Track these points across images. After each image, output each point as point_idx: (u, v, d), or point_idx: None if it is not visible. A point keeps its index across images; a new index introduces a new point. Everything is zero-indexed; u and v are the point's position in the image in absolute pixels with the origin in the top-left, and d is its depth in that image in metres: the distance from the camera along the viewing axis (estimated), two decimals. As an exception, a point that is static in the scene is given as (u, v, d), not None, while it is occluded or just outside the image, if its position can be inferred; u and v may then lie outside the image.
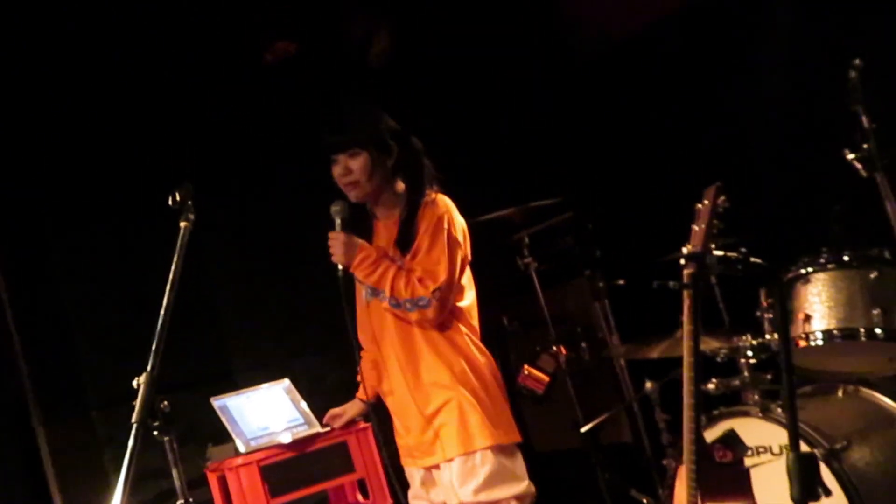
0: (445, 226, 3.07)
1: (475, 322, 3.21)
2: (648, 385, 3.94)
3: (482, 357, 3.16)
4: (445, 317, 3.10)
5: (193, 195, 2.46)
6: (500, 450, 3.07)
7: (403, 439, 3.26)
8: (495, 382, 3.16)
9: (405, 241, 3.12)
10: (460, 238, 3.12)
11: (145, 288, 2.39)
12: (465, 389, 3.07)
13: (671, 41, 4.82)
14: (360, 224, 3.25)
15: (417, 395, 3.15)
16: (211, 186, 4.15)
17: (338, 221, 3.16)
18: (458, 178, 3.32)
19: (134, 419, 2.11)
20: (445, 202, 3.15)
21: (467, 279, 3.20)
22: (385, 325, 3.20)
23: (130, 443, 2.08)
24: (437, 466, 3.15)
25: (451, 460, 3.08)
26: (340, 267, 3.14)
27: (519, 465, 3.12)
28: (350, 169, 3.14)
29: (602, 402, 4.49)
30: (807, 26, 4.25)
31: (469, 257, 3.20)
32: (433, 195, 3.16)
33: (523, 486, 3.08)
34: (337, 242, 3.14)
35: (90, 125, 4.50)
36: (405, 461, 3.29)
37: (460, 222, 3.16)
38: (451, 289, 3.06)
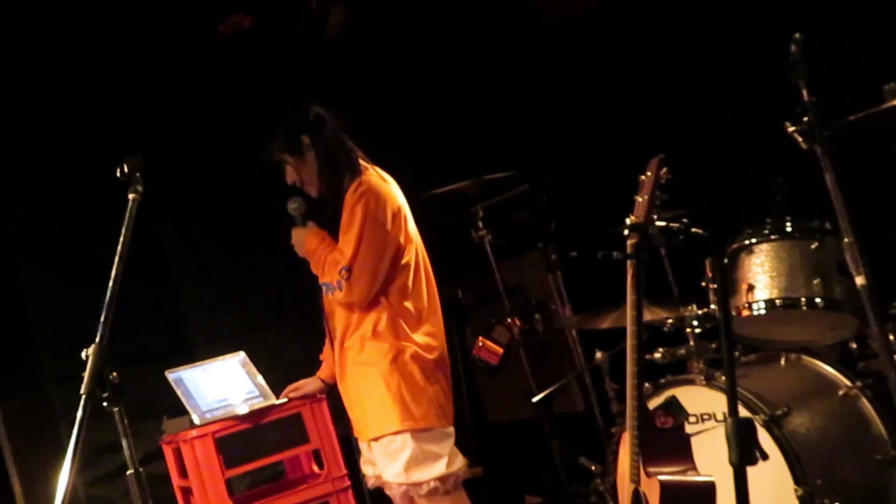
0: (362, 208, 3.10)
1: (413, 305, 3.20)
2: (599, 355, 3.99)
3: (410, 342, 3.17)
4: (376, 301, 3.16)
5: (143, 166, 2.46)
6: (422, 433, 3.12)
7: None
8: (420, 369, 3.15)
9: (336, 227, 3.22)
10: (384, 219, 3.13)
11: (103, 262, 2.38)
12: (387, 374, 3.12)
13: (624, 17, 4.85)
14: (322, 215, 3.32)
15: (347, 377, 3.27)
16: (168, 160, 4.15)
17: (295, 217, 3.32)
18: (413, 151, 3.35)
19: (82, 391, 2.12)
20: (369, 183, 3.15)
21: (407, 262, 3.20)
22: (333, 310, 3.32)
23: (79, 414, 2.08)
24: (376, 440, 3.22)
25: (374, 440, 3.17)
26: None
27: (446, 447, 3.15)
28: (291, 177, 3.28)
29: (555, 372, 4.54)
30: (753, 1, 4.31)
31: (400, 240, 3.19)
32: (362, 177, 3.17)
33: (443, 467, 3.12)
34: (293, 241, 3.32)
35: (45, 98, 4.47)
36: (355, 434, 3.39)
37: (386, 204, 3.15)
38: (363, 269, 3.09)
